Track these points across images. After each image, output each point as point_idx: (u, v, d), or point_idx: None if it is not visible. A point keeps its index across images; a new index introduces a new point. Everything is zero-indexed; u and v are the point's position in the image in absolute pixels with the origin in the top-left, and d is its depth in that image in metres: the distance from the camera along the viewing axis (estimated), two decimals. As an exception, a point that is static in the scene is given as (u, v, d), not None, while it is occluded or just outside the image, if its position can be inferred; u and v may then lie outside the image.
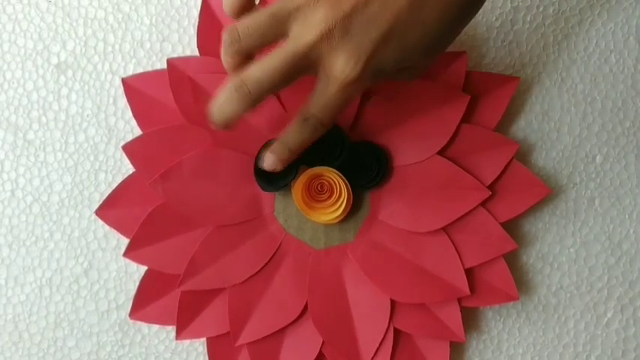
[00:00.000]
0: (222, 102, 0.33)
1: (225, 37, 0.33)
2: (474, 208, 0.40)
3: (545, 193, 0.41)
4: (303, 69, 0.32)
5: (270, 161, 0.37)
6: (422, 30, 0.31)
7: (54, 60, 0.43)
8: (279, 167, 0.37)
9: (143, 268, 0.41)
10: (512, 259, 0.42)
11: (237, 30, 0.33)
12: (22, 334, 0.43)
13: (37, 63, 0.43)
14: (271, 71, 0.32)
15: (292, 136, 0.36)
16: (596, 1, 0.43)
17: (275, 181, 0.40)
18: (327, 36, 0.31)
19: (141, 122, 0.41)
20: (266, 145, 0.40)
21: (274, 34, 0.32)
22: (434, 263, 0.40)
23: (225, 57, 0.34)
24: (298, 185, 0.40)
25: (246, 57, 0.33)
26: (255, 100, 0.33)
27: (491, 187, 0.40)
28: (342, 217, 0.40)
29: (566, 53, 0.43)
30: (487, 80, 0.41)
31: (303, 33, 0.31)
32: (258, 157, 0.40)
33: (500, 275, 0.40)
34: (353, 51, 0.31)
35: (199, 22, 0.41)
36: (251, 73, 0.32)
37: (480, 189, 0.40)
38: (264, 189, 0.40)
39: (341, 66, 0.31)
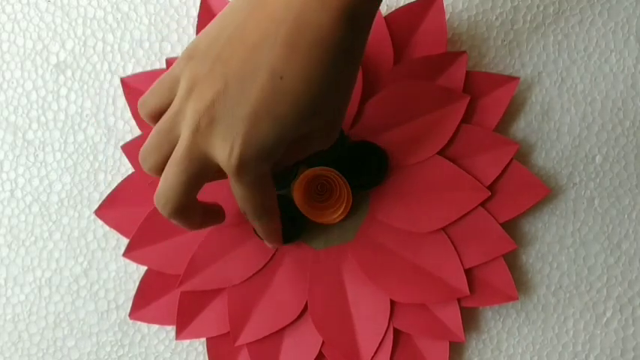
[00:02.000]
0: None
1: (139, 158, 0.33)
2: (474, 209, 0.40)
3: (545, 193, 0.41)
4: (200, 168, 0.31)
5: (269, 246, 0.39)
6: (290, 98, 0.29)
7: (53, 60, 0.43)
8: (278, 246, 0.39)
9: (143, 268, 0.41)
10: (512, 259, 0.42)
11: (142, 151, 0.32)
12: (21, 334, 0.43)
13: (36, 63, 0.43)
14: (168, 181, 0.31)
15: (257, 228, 0.36)
16: (597, 1, 0.43)
17: (275, 181, 0.40)
18: (196, 130, 0.30)
19: (140, 122, 0.41)
20: None
21: (168, 143, 0.31)
22: (434, 263, 0.40)
23: None
24: (298, 185, 0.40)
25: (161, 171, 0.32)
26: (178, 209, 0.31)
27: (491, 187, 0.40)
28: (342, 217, 0.40)
29: (566, 53, 0.43)
30: (487, 80, 0.41)
31: (182, 135, 0.30)
32: None
33: (499, 275, 0.40)
34: (224, 136, 0.29)
35: (198, 22, 0.41)
36: (159, 186, 0.32)
37: (479, 189, 0.40)
38: (263, 189, 0.40)
39: (220, 155, 0.30)
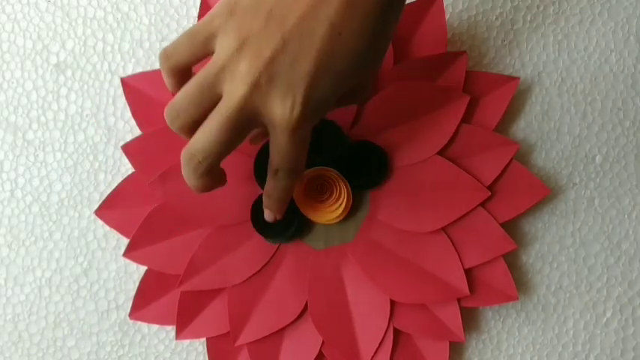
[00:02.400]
0: (185, 177, 0.32)
1: (165, 116, 0.32)
2: (474, 209, 0.40)
3: (545, 193, 0.41)
4: (245, 125, 0.31)
5: (269, 216, 0.38)
6: (348, 52, 0.30)
7: (53, 60, 0.43)
8: (279, 217, 0.38)
9: (143, 268, 0.41)
10: (512, 259, 0.42)
11: (174, 107, 0.32)
12: (21, 334, 0.43)
13: (37, 63, 0.43)
14: (212, 136, 0.31)
15: (272, 189, 0.35)
16: (597, 1, 0.43)
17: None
18: (254, 86, 0.30)
19: (140, 122, 0.41)
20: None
21: (210, 99, 0.31)
22: (433, 263, 0.40)
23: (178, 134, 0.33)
24: (298, 185, 0.40)
25: (194, 129, 0.32)
26: (209, 168, 0.31)
27: (490, 187, 0.40)
28: (342, 217, 0.40)
29: (566, 53, 0.43)
30: (487, 80, 0.41)
31: (233, 90, 0.30)
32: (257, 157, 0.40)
33: (499, 275, 0.40)
34: (284, 93, 0.30)
35: (199, 22, 0.41)
36: (194, 142, 0.31)
37: (479, 189, 0.40)
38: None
39: (279, 111, 0.30)
